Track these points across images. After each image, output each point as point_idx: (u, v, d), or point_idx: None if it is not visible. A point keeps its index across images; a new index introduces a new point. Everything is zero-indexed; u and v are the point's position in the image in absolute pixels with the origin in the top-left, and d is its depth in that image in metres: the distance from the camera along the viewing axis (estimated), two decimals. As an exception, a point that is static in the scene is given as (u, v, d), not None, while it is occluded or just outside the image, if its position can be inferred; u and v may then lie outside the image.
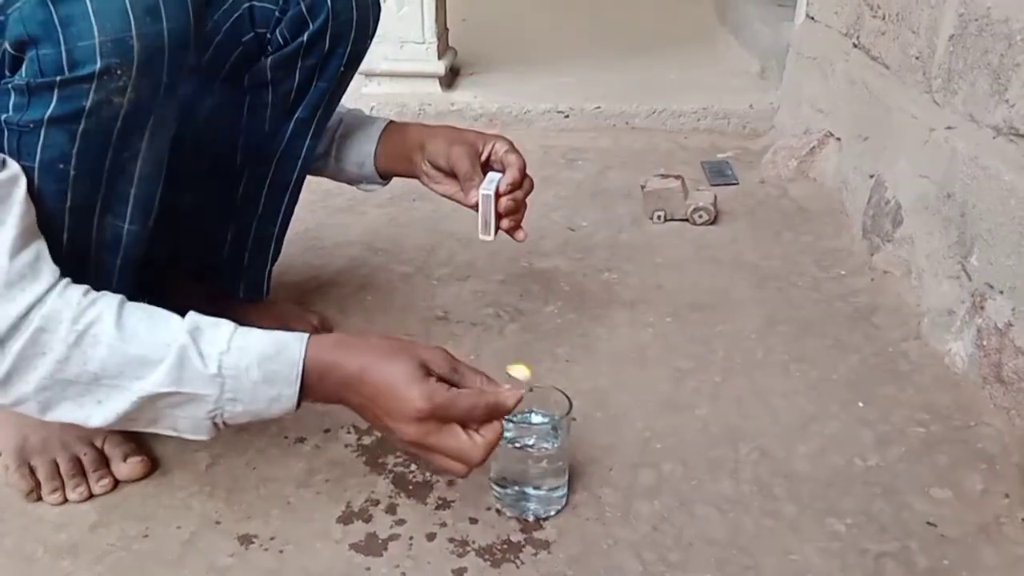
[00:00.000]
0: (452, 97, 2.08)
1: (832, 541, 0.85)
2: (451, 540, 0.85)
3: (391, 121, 1.11)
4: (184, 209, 1.09)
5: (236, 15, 0.96)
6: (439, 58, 2.09)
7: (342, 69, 1.02)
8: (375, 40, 2.19)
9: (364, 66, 2.06)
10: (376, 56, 2.08)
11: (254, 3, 0.96)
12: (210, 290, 1.13)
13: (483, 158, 1.04)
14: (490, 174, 1.03)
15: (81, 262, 0.81)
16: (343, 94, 1.06)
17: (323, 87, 1.02)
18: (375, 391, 0.73)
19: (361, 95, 2.09)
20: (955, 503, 0.90)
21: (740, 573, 0.81)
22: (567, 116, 2.04)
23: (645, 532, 0.86)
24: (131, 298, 0.82)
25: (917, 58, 1.36)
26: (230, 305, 1.13)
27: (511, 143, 1.04)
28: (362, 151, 1.09)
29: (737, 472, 0.94)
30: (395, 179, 1.73)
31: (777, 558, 0.83)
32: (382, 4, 1.05)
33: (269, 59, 0.99)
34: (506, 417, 0.85)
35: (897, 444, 0.98)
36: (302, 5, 0.95)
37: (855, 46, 1.63)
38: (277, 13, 0.96)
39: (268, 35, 0.98)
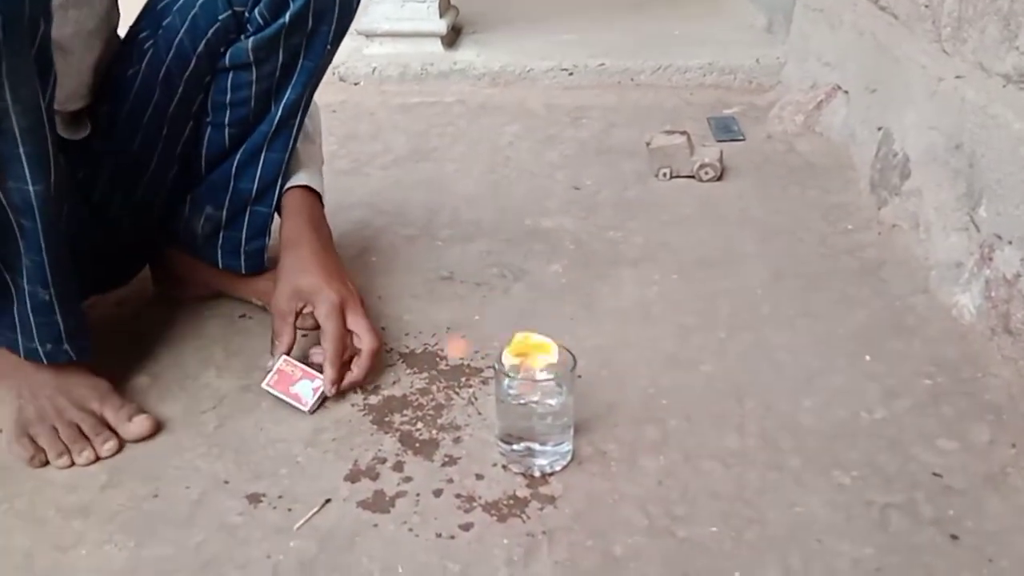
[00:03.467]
0: (454, 56, 2.06)
1: (837, 493, 0.85)
2: (458, 496, 0.85)
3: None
4: (175, 187, 1.07)
5: None
6: (441, 17, 2.06)
7: (328, 47, 0.99)
8: (376, 0, 2.17)
9: (365, 27, 2.07)
10: (377, 16, 2.05)
11: None
12: (210, 267, 1.12)
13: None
14: (314, 384, 0.97)
15: (4, 234, 0.82)
16: (328, 65, 1.04)
17: (310, 66, 1.00)
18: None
19: (363, 56, 2.07)
20: (961, 454, 0.90)
21: (745, 526, 0.81)
22: (571, 74, 2.02)
23: (650, 487, 0.86)
24: (72, 258, 0.83)
25: (926, 7, 1.33)
26: (233, 278, 1.13)
27: (332, 313, 0.98)
28: None
29: (742, 427, 0.94)
30: (400, 140, 1.73)
31: (782, 511, 0.83)
32: None
33: (250, 40, 0.96)
34: (510, 375, 0.86)
35: (904, 397, 0.98)
36: None
37: (863, -4, 1.60)
38: None
39: (246, 14, 0.95)
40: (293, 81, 1.00)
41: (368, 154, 1.66)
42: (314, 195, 1.09)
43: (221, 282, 1.14)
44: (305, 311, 1.01)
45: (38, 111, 0.79)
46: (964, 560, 0.78)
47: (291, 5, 0.94)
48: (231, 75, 0.99)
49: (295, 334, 1.01)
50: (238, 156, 1.05)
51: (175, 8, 0.96)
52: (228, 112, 1.02)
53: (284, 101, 1.01)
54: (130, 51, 0.99)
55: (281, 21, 0.95)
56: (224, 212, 1.07)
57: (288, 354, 0.99)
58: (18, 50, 0.74)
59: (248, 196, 1.06)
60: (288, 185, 1.07)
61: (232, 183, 1.06)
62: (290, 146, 1.05)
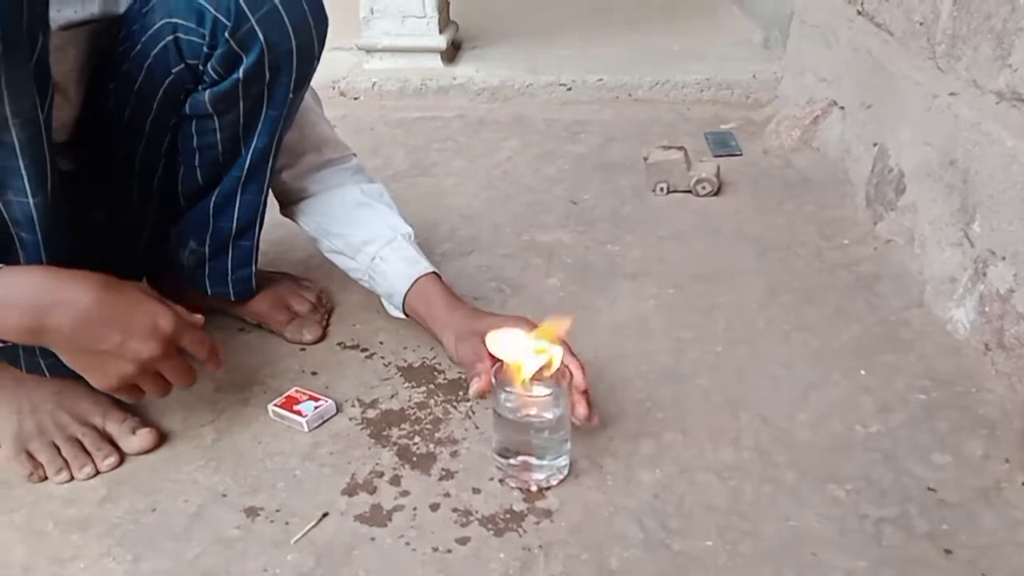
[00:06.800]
0: (454, 71, 2.07)
1: (832, 507, 0.85)
2: (455, 510, 0.86)
3: (423, 276, 1.05)
4: (159, 218, 1.07)
5: (161, 44, 0.90)
6: (440, 32, 2.08)
7: (290, 96, 0.96)
8: (376, 15, 2.20)
9: (365, 42, 2.08)
10: (377, 31, 2.07)
11: (179, 35, 0.89)
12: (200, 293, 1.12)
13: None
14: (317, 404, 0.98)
15: (4, 247, 0.81)
16: (297, 110, 1.02)
17: (274, 115, 0.97)
18: (119, 306, 0.81)
19: (363, 71, 2.08)
20: (955, 468, 0.90)
21: (740, 539, 0.82)
22: (569, 89, 2.03)
23: (646, 500, 0.87)
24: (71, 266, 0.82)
25: (921, 24, 1.35)
26: (225, 300, 1.13)
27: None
28: (393, 287, 1.06)
29: (738, 440, 0.94)
30: (399, 154, 1.74)
31: (777, 524, 0.83)
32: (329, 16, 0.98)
33: (207, 93, 0.94)
34: (507, 389, 0.86)
35: (898, 411, 0.98)
36: (231, 43, 0.89)
37: (859, 13, 1.62)
38: (205, 48, 0.90)
39: (200, 67, 0.92)
40: (259, 129, 0.98)
41: (368, 168, 1.67)
42: (435, 278, 1.06)
43: (215, 303, 1.15)
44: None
45: (37, 123, 0.79)
46: (957, 574, 0.78)
47: (244, 60, 0.91)
48: (194, 123, 0.98)
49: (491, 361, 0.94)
50: (214, 197, 1.03)
51: (132, 55, 0.93)
52: (197, 155, 1.00)
53: (252, 148, 0.99)
54: (97, 91, 0.98)
55: (235, 76, 0.92)
56: (207, 248, 1.07)
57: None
58: (17, 63, 0.74)
59: (229, 233, 1.06)
60: (408, 286, 1.05)
61: (211, 222, 1.05)
62: (265, 188, 1.04)
